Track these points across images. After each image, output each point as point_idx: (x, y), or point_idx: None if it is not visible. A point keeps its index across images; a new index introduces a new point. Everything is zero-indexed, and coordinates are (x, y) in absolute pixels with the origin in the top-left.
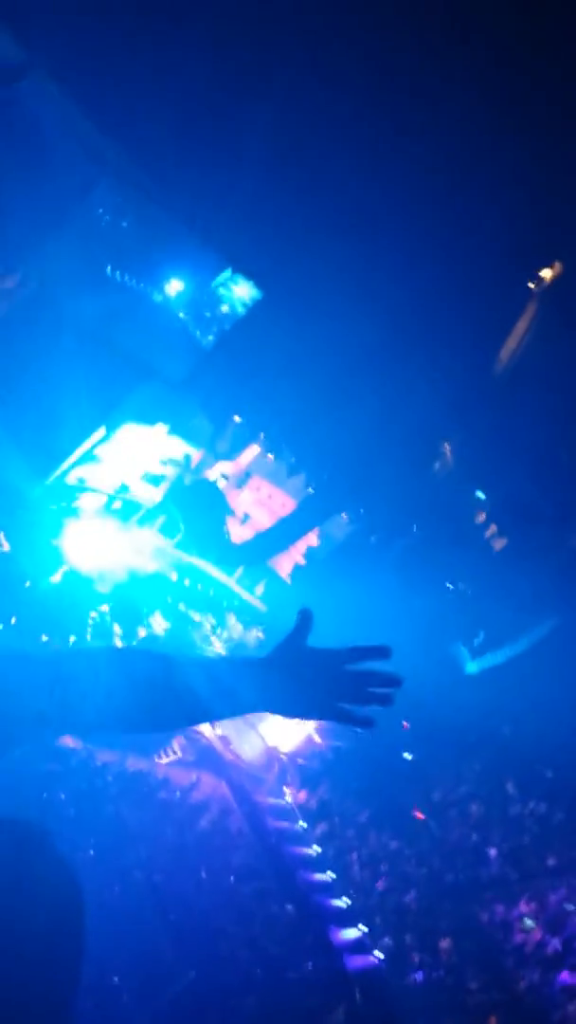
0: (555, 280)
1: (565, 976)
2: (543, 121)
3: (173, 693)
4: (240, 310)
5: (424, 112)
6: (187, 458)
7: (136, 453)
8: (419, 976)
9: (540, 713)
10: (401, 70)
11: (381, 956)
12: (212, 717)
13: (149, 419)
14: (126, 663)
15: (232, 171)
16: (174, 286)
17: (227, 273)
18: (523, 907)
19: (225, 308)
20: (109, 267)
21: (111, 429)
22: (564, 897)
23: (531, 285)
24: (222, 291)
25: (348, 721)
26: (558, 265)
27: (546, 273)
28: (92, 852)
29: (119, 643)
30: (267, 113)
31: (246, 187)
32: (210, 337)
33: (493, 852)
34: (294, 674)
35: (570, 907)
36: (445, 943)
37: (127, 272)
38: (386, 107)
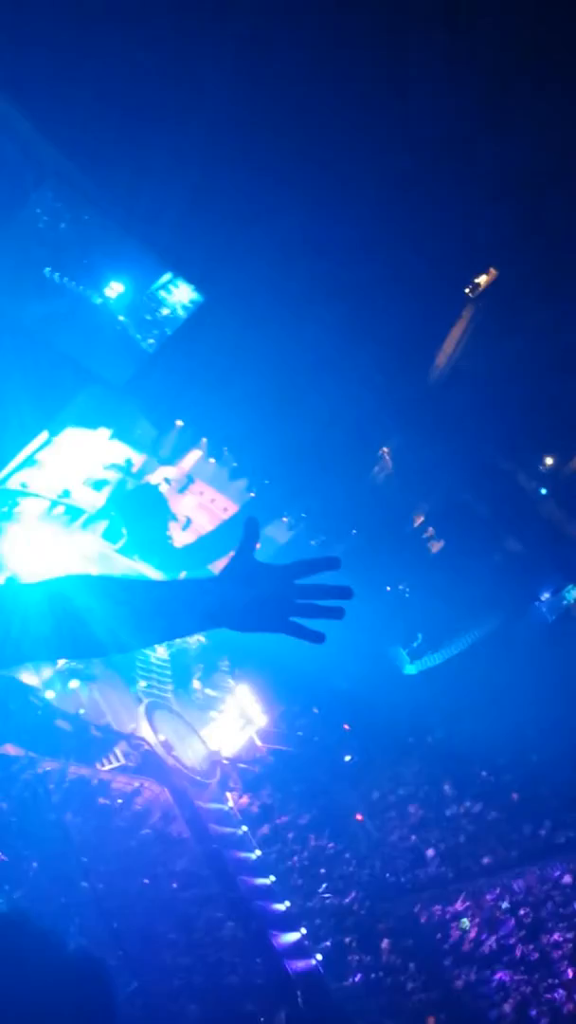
0: (490, 286)
1: (501, 974)
2: (479, 130)
3: (122, 609)
4: (181, 313)
5: (360, 122)
6: (129, 463)
7: (78, 457)
8: (358, 977)
9: (475, 713)
10: (339, 78)
11: (321, 958)
12: (169, 632)
13: (91, 423)
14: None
15: (173, 175)
16: (114, 289)
17: (167, 276)
18: (459, 906)
19: (166, 311)
20: (48, 269)
21: (53, 433)
22: (499, 896)
23: (467, 291)
24: (162, 294)
25: (300, 635)
26: (493, 271)
27: (481, 279)
28: (35, 863)
29: None
30: (208, 117)
31: (187, 192)
32: (151, 340)
33: (431, 852)
34: (246, 585)
35: (505, 906)
36: (384, 944)
37: (66, 275)
38: (323, 117)
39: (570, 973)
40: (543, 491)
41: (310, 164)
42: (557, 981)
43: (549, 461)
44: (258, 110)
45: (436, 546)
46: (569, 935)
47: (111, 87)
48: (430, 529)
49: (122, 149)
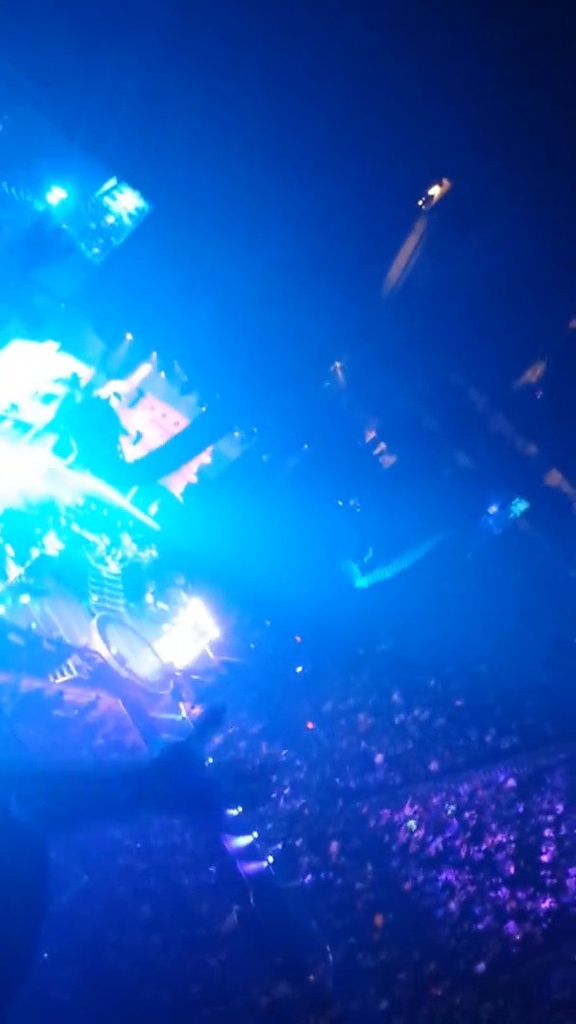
0: (443, 197)
1: (446, 874)
2: (431, 39)
3: None
4: (127, 222)
5: (313, 30)
6: (77, 376)
7: (25, 371)
8: (308, 878)
9: (424, 625)
10: None
11: (272, 860)
12: None
13: (38, 336)
14: None
15: (118, 76)
16: (56, 195)
17: (112, 182)
18: (407, 810)
19: (111, 220)
20: None
21: None
22: (445, 800)
23: (420, 203)
24: (107, 201)
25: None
26: (446, 182)
27: (434, 191)
28: None
29: (11, 565)
30: (163, 20)
31: (133, 95)
32: (96, 250)
33: (379, 758)
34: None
35: (451, 809)
36: (334, 847)
37: (4, 179)
38: (281, 21)
39: (512, 871)
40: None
41: (261, 66)
42: (500, 880)
43: None
44: (210, 9)
45: (388, 461)
46: (512, 836)
47: None
48: (382, 444)
49: (64, 45)
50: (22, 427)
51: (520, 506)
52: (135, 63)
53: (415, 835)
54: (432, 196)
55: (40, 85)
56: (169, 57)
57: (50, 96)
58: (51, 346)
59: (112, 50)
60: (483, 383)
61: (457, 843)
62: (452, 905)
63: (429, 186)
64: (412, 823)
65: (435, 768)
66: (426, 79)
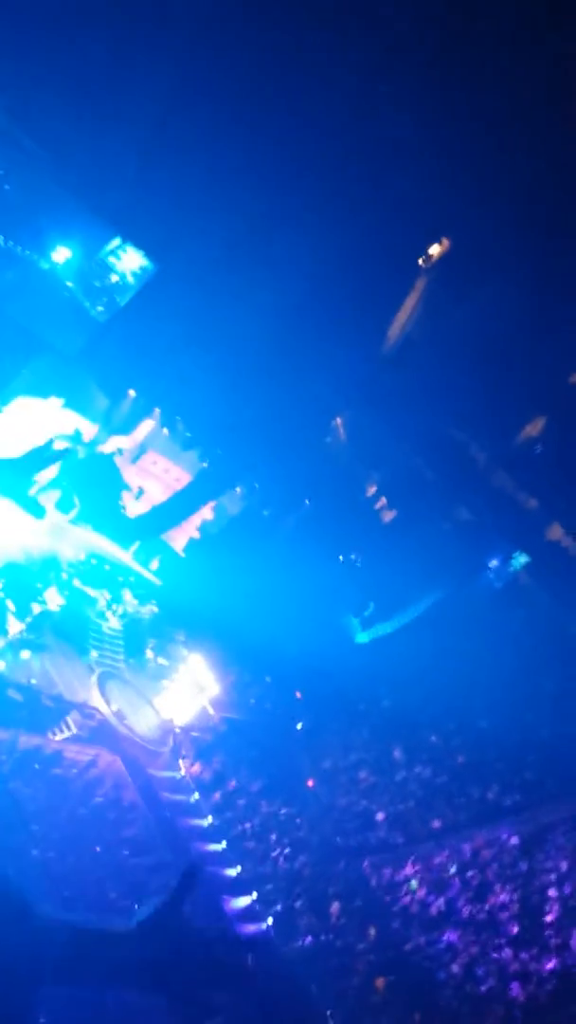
0: (443, 256)
1: (449, 935)
2: (433, 101)
3: None
4: (131, 280)
5: (313, 94)
6: (79, 432)
7: (30, 427)
8: (308, 940)
9: (425, 680)
10: (297, 50)
11: (271, 922)
12: None
13: (43, 393)
14: None
15: (124, 138)
16: (61, 254)
17: (116, 242)
18: (409, 870)
19: (115, 278)
20: None
21: (3, 403)
22: (447, 859)
23: (420, 262)
24: (111, 260)
25: None
26: (446, 241)
27: (434, 249)
28: None
29: (12, 620)
30: (162, 75)
31: (138, 157)
32: (100, 308)
33: (380, 816)
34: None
35: (452, 868)
36: (334, 907)
37: (11, 238)
38: (280, 86)
39: (515, 932)
40: None
41: (264, 131)
42: (503, 940)
43: None
44: (212, 75)
45: (388, 515)
46: (515, 895)
47: (60, 49)
48: (382, 499)
49: (71, 110)
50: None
51: (521, 560)
52: (138, 127)
53: (417, 895)
54: (432, 255)
55: (46, 147)
56: (171, 122)
57: (56, 158)
58: (55, 403)
59: (117, 115)
60: (483, 438)
61: (459, 903)
62: (455, 967)
63: (429, 245)
64: (414, 883)
65: (437, 826)
66: (426, 139)
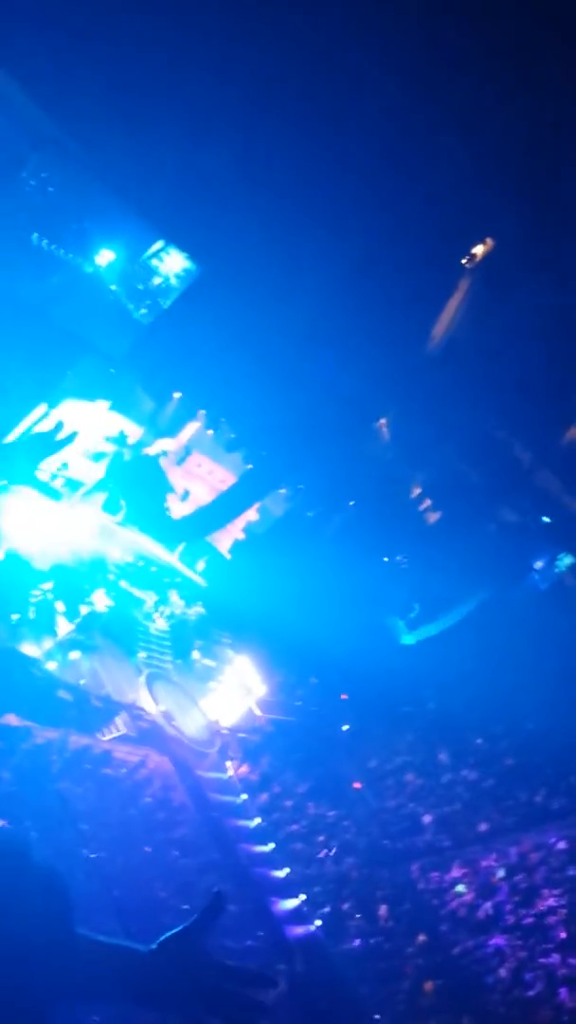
0: (486, 256)
1: (497, 939)
2: (474, 100)
3: None
4: (174, 283)
5: (357, 92)
6: (125, 434)
7: (77, 430)
8: (357, 943)
9: (471, 682)
10: (337, 52)
11: (320, 924)
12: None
13: (89, 395)
14: None
15: (167, 141)
16: (105, 257)
17: (159, 244)
18: (456, 873)
19: (158, 280)
20: (36, 236)
21: (51, 406)
22: (495, 862)
23: (463, 262)
24: (154, 263)
25: None
26: (489, 241)
27: (478, 249)
28: (35, 832)
29: (62, 621)
30: (207, 84)
31: (181, 158)
32: (143, 310)
33: (428, 819)
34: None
35: (500, 872)
36: (382, 910)
37: (55, 242)
38: (322, 85)
39: (563, 936)
40: None
41: (309, 132)
42: (551, 946)
43: None
44: (254, 79)
45: (432, 517)
46: (563, 900)
47: (103, 53)
48: (427, 500)
49: (115, 112)
50: (73, 485)
51: (566, 561)
52: (182, 129)
53: (464, 899)
54: (475, 255)
55: (90, 150)
56: (215, 124)
57: (100, 160)
58: (102, 405)
59: (160, 117)
60: (528, 438)
61: (507, 907)
62: (503, 971)
63: (473, 244)
64: (461, 886)
65: (484, 830)
66: (470, 137)
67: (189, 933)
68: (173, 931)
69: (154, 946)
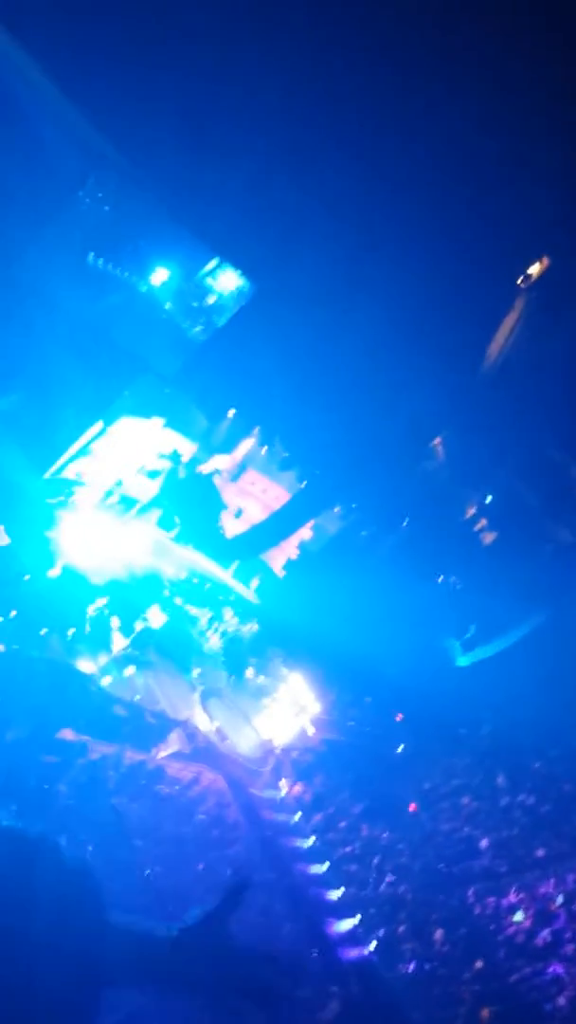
0: (542, 275)
1: (555, 967)
2: (530, 121)
3: None
4: (228, 301)
5: (416, 113)
6: (178, 452)
7: (132, 447)
8: (412, 967)
9: (528, 705)
10: (397, 74)
11: (374, 947)
12: None
13: (145, 413)
14: None
15: (225, 162)
16: (159, 276)
17: (214, 263)
18: (513, 898)
19: (212, 299)
20: (92, 255)
21: (107, 424)
22: (553, 889)
23: (519, 282)
24: (208, 281)
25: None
26: (545, 260)
27: (533, 269)
28: (91, 847)
29: (117, 637)
30: (264, 105)
31: (239, 178)
32: (198, 328)
33: (484, 844)
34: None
35: (559, 899)
36: (438, 934)
37: (111, 260)
38: (380, 108)
39: None
40: None
41: (366, 153)
42: None
43: None
44: (318, 99)
45: (488, 537)
46: None
47: (167, 77)
48: (482, 520)
49: (174, 134)
50: (128, 502)
51: None
52: (243, 151)
53: (522, 925)
54: (531, 275)
55: (147, 169)
56: (275, 143)
57: (157, 180)
58: (157, 422)
59: (222, 139)
60: None
61: (566, 935)
62: (561, 1000)
63: (529, 264)
64: (519, 913)
65: (541, 855)
66: (525, 156)
67: (213, 916)
68: (197, 913)
69: (179, 930)
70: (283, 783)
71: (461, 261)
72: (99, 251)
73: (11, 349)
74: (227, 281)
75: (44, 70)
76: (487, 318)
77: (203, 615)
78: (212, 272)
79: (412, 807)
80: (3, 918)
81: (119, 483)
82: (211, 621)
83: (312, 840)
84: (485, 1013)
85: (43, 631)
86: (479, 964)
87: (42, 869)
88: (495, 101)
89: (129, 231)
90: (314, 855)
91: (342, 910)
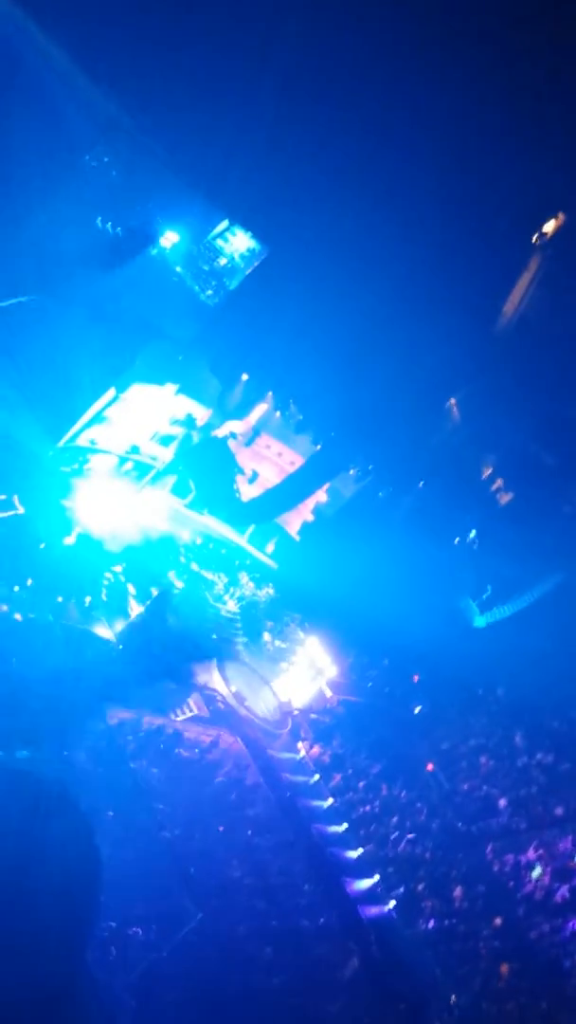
0: (558, 232)
1: (574, 924)
2: (545, 77)
3: None
4: (239, 263)
5: (429, 69)
6: (192, 418)
7: (146, 413)
8: (431, 924)
9: (545, 664)
10: (412, 29)
11: (394, 905)
12: None
13: (158, 379)
14: None
15: (235, 119)
16: (169, 239)
17: (224, 224)
18: (532, 855)
19: (223, 261)
20: (100, 219)
21: (120, 390)
22: (571, 846)
23: (534, 239)
24: (219, 243)
25: None
26: (561, 216)
27: (549, 226)
28: (111, 811)
29: (133, 603)
30: (275, 60)
31: (250, 137)
32: (209, 291)
33: (503, 802)
34: None
35: None
36: (457, 892)
37: (119, 224)
38: (394, 65)
39: None
40: None
41: (375, 107)
42: None
43: None
44: (325, 58)
45: (505, 498)
46: None
47: (174, 35)
48: (499, 480)
49: (185, 92)
50: (143, 468)
51: None
52: (253, 110)
53: (541, 882)
54: (547, 232)
55: (155, 132)
56: (285, 100)
57: (165, 142)
58: (170, 388)
59: (232, 101)
60: None
61: None
62: None
63: (544, 221)
64: (538, 869)
65: (560, 813)
66: (538, 111)
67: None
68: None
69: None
70: (301, 745)
71: (476, 219)
72: (107, 215)
73: (23, 316)
74: (238, 243)
75: (52, 34)
76: (502, 277)
77: (219, 580)
78: (222, 234)
79: (430, 767)
80: (7, 859)
81: (133, 449)
82: (227, 586)
83: (330, 801)
84: (504, 969)
85: (59, 599)
86: (498, 921)
87: (47, 812)
88: (508, 57)
89: (137, 194)
90: (333, 816)
91: (361, 869)
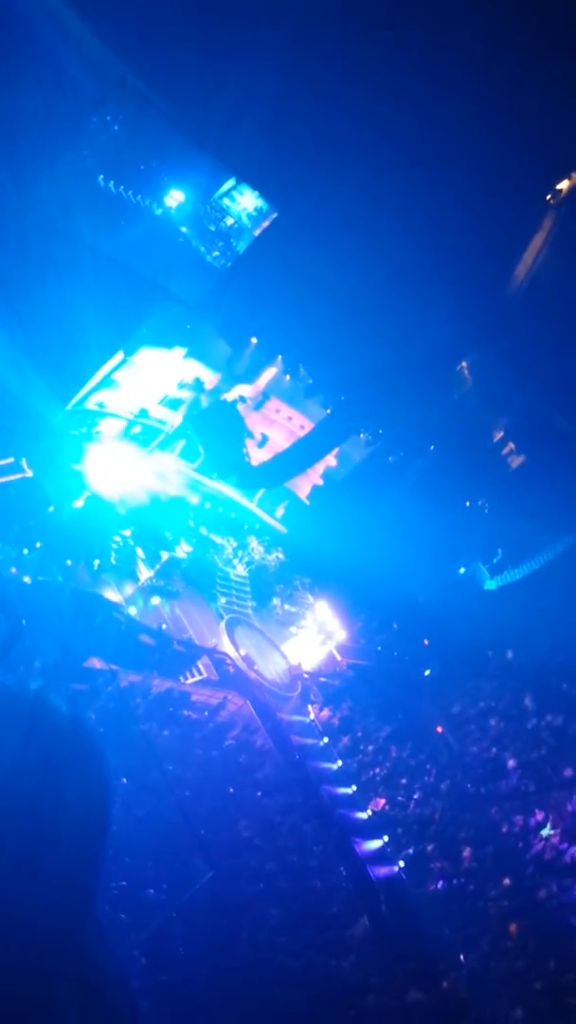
0: (572, 191)
1: None
2: (560, 36)
3: None
4: (246, 223)
5: (441, 27)
6: (200, 381)
7: (154, 377)
8: (440, 884)
9: (555, 627)
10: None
11: (403, 865)
12: None
13: (166, 342)
14: None
15: (243, 74)
16: (174, 198)
17: (230, 183)
18: (540, 817)
19: (230, 221)
20: (102, 177)
21: (129, 353)
22: None
23: (548, 198)
24: (226, 203)
25: None
26: (575, 176)
27: (563, 185)
28: (123, 778)
29: (142, 567)
30: (285, 11)
31: (258, 95)
32: (216, 253)
33: (512, 764)
34: None
35: None
36: (466, 852)
37: (124, 183)
38: (407, 27)
39: None
40: None
41: (385, 67)
42: None
43: None
44: (335, 16)
45: (515, 461)
46: None
47: None
48: (509, 444)
49: (186, 46)
50: (151, 432)
51: None
52: (261, 68)
53: (550, 842)
54: (561, 191)
55: (161, 89)
56: (298, 61)
57: (170, 99)
58: (179, 352)
59: (239, 56)
60: None
61: None
62: None
63: (558, 180)
64: (546, 830)
65: (569, 775)
66: (551, 72)
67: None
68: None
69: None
70: (311, 708)
71: (488, 178)
72: (111, 174)
73: (29, 279)
74: (245, 202)
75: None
76: (515, 238)
77: (229, 544)
78: (228, 193)
79: (439, 729)
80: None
81: (142, 413)
82: (237, 550)
83: (340, 763)
84: (513, 927)
85: (69, 562)
86: (507, 881)
87: (36, 729)
88: (522, 19)
89: (142, 153)
90: (342, 777)
91: (371, 830)
